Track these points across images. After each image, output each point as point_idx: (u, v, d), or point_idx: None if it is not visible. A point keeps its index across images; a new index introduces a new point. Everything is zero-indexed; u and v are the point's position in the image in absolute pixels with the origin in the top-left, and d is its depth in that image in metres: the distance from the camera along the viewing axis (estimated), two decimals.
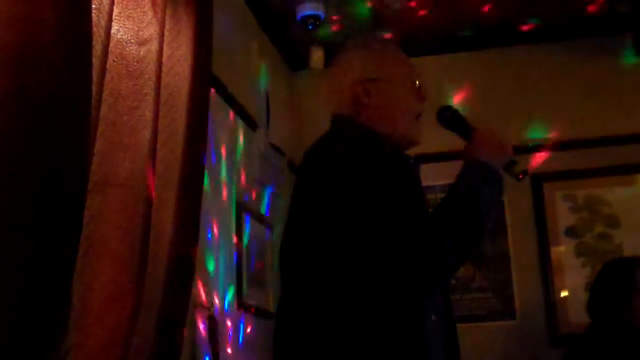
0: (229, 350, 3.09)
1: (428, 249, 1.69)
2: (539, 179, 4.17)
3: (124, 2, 2.10)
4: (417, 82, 2.05)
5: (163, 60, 2.28)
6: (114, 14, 1.97)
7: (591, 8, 4.01)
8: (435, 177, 2.85)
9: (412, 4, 3.92)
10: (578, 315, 3.83)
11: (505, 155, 1.96)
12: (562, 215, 4.15)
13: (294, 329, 1.83)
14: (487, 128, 2.01)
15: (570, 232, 4.12)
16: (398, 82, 2.03)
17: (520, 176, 2.00)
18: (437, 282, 1.83)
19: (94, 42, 1.75)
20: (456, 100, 4.21)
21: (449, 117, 2.05)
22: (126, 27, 2.12)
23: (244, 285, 3.32)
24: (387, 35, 4.13)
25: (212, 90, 2.86)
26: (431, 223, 1.74)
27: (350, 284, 1.75)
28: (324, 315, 1.77)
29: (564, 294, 4.03)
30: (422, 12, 4.01)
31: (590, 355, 2.91)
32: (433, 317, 1.82)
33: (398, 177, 1.83)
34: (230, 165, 3.33)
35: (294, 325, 1.84)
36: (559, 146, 4.17)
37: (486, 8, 3.99)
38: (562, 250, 4.10)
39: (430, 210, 1.86)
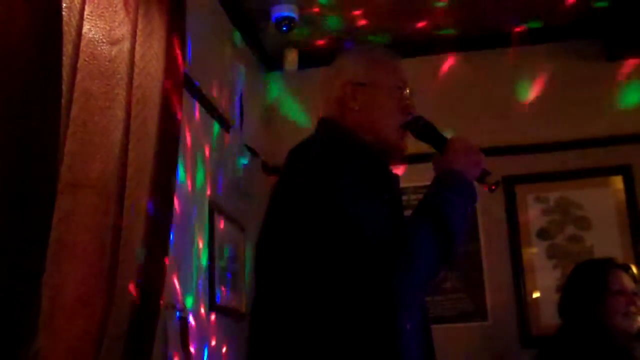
0: (201, 352, 3.08)
1: (398, 263, 1.67)
2: (511, 180, 4.19)
3: (96, 1, 2.09)
4: (407, 94, 2.04)
5: (135, 60, 2.27)
6: (86, 13, 1.95)
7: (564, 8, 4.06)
8: (409, 179, 2.88)
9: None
10: (549, 317, 3.86)
11: (479, 165, 1.95)
12: (534, 217, 4.18)
13: (268, 333, 1.83)
14: (461, 138, 2.00)
15: (542, 233, 4.15)
16: (385, 90, 2.02)
17: (493, 187, 1.99)
18: (410, 295, 1.78)
19: (64, 42, 1.74)
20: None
21: (420, 128, 2.03)
22: (98, 27, 2.10)
23: (216, 287, 3.31)
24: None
25: (185, 90, 2.84)
26: (403, 236, 1.70)
27: (320, 291, 1.74)
28: (296, 321, 1.76)
29: (535, 295, 4.06)
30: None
31: (562, 357, 2.93)
32: (408, 326, 1.81)
33: (375, 183, 1.82)
34: (204, 165, 3.32)
35: (267, 329, 1.83)
36: (531, 148, 4.20)
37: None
38: (534, 251, 4.13)
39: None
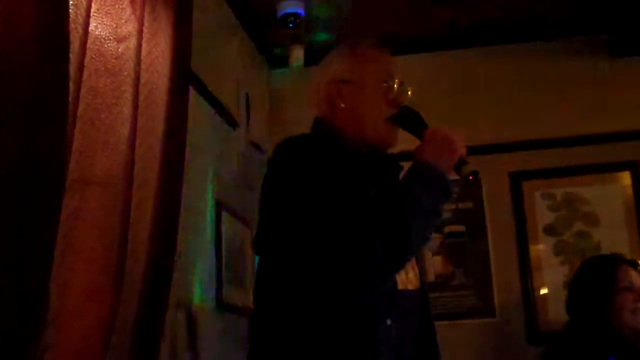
0: (208, 349, 3.08)
1: (352, 253, 1.68)
2: (518, 177, 4.19)
3: None
4: (395, 87, 2.02)
5: (142, 58, 2.27)
6: (92, 10, 1.95)
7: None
8: None
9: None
10: (557, 313, 3.85)
11: (454, 154, 1.88)
12: (541, 213, 4.16)
13: (260, 330, 1.88)
14: (437, 128, 1.95)
15: (549, 230, 4.14)
16: (370, 85, 2.02)
17: (470, 177, 1.89)
18: (364, 292, 1.76)
19: (71, 39, 1.74)
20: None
21: (404, 118, 2.00)
22: (104, 24, 2.10)
23: (224, 284, 3.31)
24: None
25: (191, 87, 2.84)
26: (361, 226, 1.70)
27: (295, 284, 1.79)
28: (278, 315, 1.83)
29: (543, 291, 4.05)
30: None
31: (569, 353, 2.92)
32: (388, 322, 1.81)
33: (348, 180, 1.82)
34: (210, 163, 3.32)
35: (260, 327, 1.89)
36: (537, 144, 4.19)
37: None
38: (541, 248, 4.12)
39: None
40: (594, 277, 3.02)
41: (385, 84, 2.02)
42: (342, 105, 2.00)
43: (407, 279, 1.92)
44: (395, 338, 1.81)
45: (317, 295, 1.75)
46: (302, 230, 1.73)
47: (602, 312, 2.92)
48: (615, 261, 3.06)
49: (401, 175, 2.01)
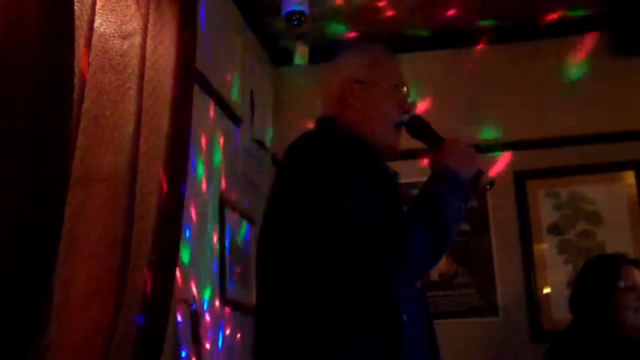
0: (212, 346, 3.08)
1: (393, 254, 1.70)
2: (522, 176, 4.18)
3: None
4: (405, 94, 2.07)
5: (146, 54, 2.27)
6: (97, 7, 1.95)
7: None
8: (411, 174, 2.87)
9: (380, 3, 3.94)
10: (560, 312, 3.85)
11: (474, 166, 1.97)
12: (545, 212, 4.16)
13: (270, 329, 1.86)
14: (456, 138, 2.02)
15: (553, 229, 4.13)
16: (384, 89, 2.04)
17: (488, 187, 2.01)
18: (404, 285, 1.82)
19: (76, 36, 1.74)
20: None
21: (417, 127, 2.05)
22: (109, 21, 2.10)
23: (227, 281, 3.31)
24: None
25: (196, 84, 2.84)
26: (399, 229, 1.73)
27: (319, 285, 1.77)
28: (296, 316, 1.79)
29: (546, 290, 4.04)
30: (389, 13, 4.04)
31: (572, 352, 2.92)
32: (405, 317, 1.82)
33: (371, 177, 1.84)
34: (214, 160, 3.32)
35: (269, 326, 1.87)
36: (542, 143, 4.18)
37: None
38: (545, 247, 4.11)
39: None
40: (597, 276, 3.02)
41: (397, 89, 2.05)
42: (355, 104, 2.00)
43: None
44: (409, 333, 1.82)
45: (356, 290, 1.74)
46: (342, 227, 1.72)
47: (604, 311, 2.92)
48: (618, 261, 3.06)
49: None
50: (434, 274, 4.09)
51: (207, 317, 3.05)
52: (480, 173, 1.98)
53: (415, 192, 1.90)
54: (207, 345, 3.01)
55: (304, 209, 1.78)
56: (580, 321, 3.00)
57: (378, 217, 1.73)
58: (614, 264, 3.04)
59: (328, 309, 1.75)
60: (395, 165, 2.09)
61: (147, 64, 2.28)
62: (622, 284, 2.92)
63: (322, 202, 1.75)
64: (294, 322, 1.79)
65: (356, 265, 1.72)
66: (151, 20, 2.32)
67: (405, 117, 2.05)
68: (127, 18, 2.17)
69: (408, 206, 1.85)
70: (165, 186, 2.38)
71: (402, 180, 2.11)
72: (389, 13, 4.05)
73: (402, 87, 2.07)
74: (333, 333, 1.73)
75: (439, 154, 1.98)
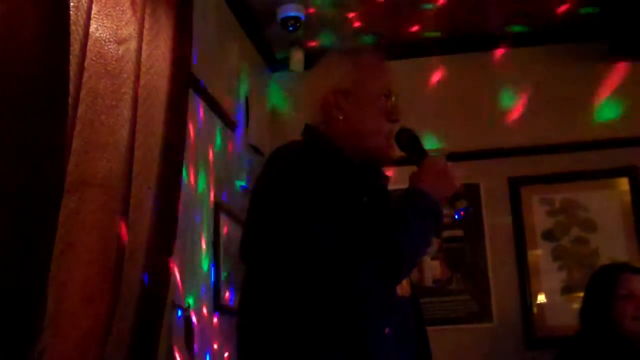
0: (205, 352, 3.07)
1: (343, 267, 1.67)
2: (517, 182, 4.19)
3: (103, 1, 2.09)
4: (393, 100, 2.00)
5: (142, 60, 2.27)
6: (93, 12, 1.95)
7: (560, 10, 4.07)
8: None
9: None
10: (554, 319, 3.87)
11: (451, 187, 1.90)
12: (539, 218, 4.16)
13: (248, 339, 1.85)
14: (437, 158, 1.95)
15: (547, 235, 4.14)
16: (370, 98, 1.98)
17: (462, 213, 1.92)
18: (359, 303, 1.75)
19: (72, 41, 1.74)
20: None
21: (404, 140, 2.00)
22: (105, 26, 2.10)
23: (221, 286, 3.31)
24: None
25: (191, 90, 2.84)
26: (352, 246, 1.69)
27: (288, 299, 1.75)
28: (269, 327, 1.78)
29: (540, 297, 4.05)
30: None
31: (578, 358, 2.96)
32: (387, 331, 1.80)
33: (348, 192, 1.80)
34: (209, 165, 3.32)
35: (247, 335, 1.86)
36: (536, 150, 4.19)
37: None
38: (539, 253, 4.12)
39: None
40: (598, 285, 3.08)
41: (384, 98, 1.99)
42: (340, 116, 1.96)
43: (400, 286, 1.91)
44: (393, 347, 1.80)
45: (309, 305, 1.74)
46: (293, 245, 1.71)
47: (607, 319, 2.95)
48: (618, 269, 3.10)
49: (387, 183, 2.04)
50: (428, 280, 4.10)
51: (201, 323, 3.04)
52: (456, 197, 1.91)
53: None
54: (201, 350, 3.00)
55: (271, 226, 1.77)
56: (586, 329, 3.03)
57: (332, 238, 1.68)
58: (612, 272, 3.08)
59: (299, 326, 1.74)
60: (391, 171, 2.06)
61: (143, 69, 2.28)
62: (619, 292, 2.95)
63: (284, 222, 1.73)
64: (268, 339, 1.78)
65: (313, 284, 1.71)
66: (147, 25, 2.32)
67: (395, 124, 1.99)
68: (123, 23, 2.17)
69: (373, 220, 1.79)
70: (159, 191, 2.38)
71: (397, 186, 2.07)
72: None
73: (390, 95, 2.00)
74: (308, 347, 1.73)
75: (418, 170, 1.94)
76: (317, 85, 2.03)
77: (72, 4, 1.76)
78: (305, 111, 2.06)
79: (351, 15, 4.03)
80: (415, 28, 4.21)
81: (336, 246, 1.68)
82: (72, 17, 1.75)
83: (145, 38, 2.31)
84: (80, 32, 1.83)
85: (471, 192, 4.08)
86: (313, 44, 4.25)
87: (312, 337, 1.73)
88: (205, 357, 3.07)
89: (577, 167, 4.14)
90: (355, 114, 1.96)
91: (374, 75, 2.02)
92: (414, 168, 1.96)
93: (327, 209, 1.74)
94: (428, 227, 1.84)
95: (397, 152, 2.01)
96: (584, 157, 4.14)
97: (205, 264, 3.19)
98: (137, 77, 2.21)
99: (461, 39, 4.33)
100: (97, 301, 1.98)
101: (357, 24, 4.11)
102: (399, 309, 1.88)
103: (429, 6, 3.97)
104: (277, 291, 1.77)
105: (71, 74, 1.74)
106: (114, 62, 2.12)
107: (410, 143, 2.01)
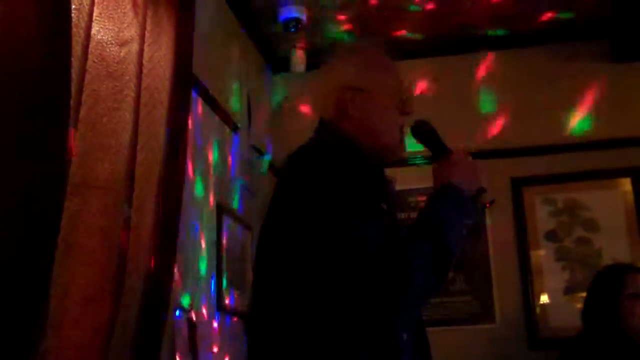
0: (208, 353, 3.08)
1: (398, 281, 1.65)
2: (519, 182, 4.19)
3: (105, 3, 2.09)
4: (405, 95, 2.00)
5: (143, 62, 2.27)
6: (95, 14, 1.96)
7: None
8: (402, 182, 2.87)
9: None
10: (557, 319, 3.86)
11: (478, 182, 1.91)
12: (542, 219, 4.16)
13: (266, 344, 1.82)
14: (462, 152, 1.96)
15: (550, 236, 4.13)
16: (383, 94, 1.97)
17: (488, 205, 1.95)
18: (408, 312, 1.76)
19: (73, 43, 1.74)
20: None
21: (424, 133, 2.00)
22: (106, 28, 2.10)
23: (224, 287, 3.31)
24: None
25: (193, 91, 2.85)
26: (403, 253, 1.68)
27: (319, 303, 1.72)
28: (292, 332, 1.74)
29: (543, 297, 4.05)
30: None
31: (580, 358, 2.95)
32: (405, 336, 1.80)
33: (374, 196, 1.81)
34: (211, 167, 3.32)
35: (265, 340, 1.81)
36: (539, 150, 4.19)
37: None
38: (542, 254, 4.11)
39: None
40: (604, 285, 3.07)
41: (397, 94, 1.99)
42: (355, 114, 1.95)
43: None
44: (410, 353, 1.80)
45: (357, 312, 1.71)
46: (346, 248, 1.67)
47: (612, 319, 2.94)
48: (624, 269, 3.10)
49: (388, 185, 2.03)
50: None
51: (204, 324, 3.04)
52: (482, 191, 1.92)
53: (412, 199, 1.87)
54: (205, 352, 3.00)
55: (304, 232, 1.73)
56: (590, 328, 3.02)
57: (380, 241, 1.68)
58: (619, 272, 3.07)
59: (325, 331, 1.71)
60: (394, 172, 2.06)
61: (145, 71, 2.28)
62: (626, 291, 2.95)
63: (327, 223, 1.70)
64: (289, 341, 1.74)
65: (358, 291, 1.67)
66: (148, 27, 2.32)
67: (410, 120, 1.99)
68: (125, 25, 2.17)
69: (410, 226, 1.78)
70: (162, 193, 2.38)
71: (400, 187, 2.06)
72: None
73: (403, 90, 2.00)
74: (329, 355, 1.71)
75: (444, 165, 1.93)
76: (330, 80, 2.02)
77: (73, 6, 1.76)
78: (316, 106, 2.06)
79: (342, 17, 4.04)
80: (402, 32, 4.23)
81: (388, 248, 1.67)
82: (73, 20, 1.75)
83: (147, 40, 2.31)
84: (82, 34, 1.83)
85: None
86: (315, 44, 4.24)
87: (339, 341, 1.70)
88: (208, 358, 3.07)
89: (580, 167, 4.14)
90: (372, 111, 1.96)
91: (385, 71, 2.02)
92: (412, 170, 1.95)
93: (369, 210, 1.74)
94: (464, 222, 1.85)
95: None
96: (586, 158, 4.14)
97: (208, 264, 3.19)
98: (139, 79, 2.22)
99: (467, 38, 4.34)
100: (100, 302, 1.98)
101: (347, 27, 4.12)
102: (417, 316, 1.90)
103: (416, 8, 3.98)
104: (306, 295, 1.72)
105: (73, 76, 1.74)
106: (115, 64, 2.12)
107: (430, 136, 2.00)
